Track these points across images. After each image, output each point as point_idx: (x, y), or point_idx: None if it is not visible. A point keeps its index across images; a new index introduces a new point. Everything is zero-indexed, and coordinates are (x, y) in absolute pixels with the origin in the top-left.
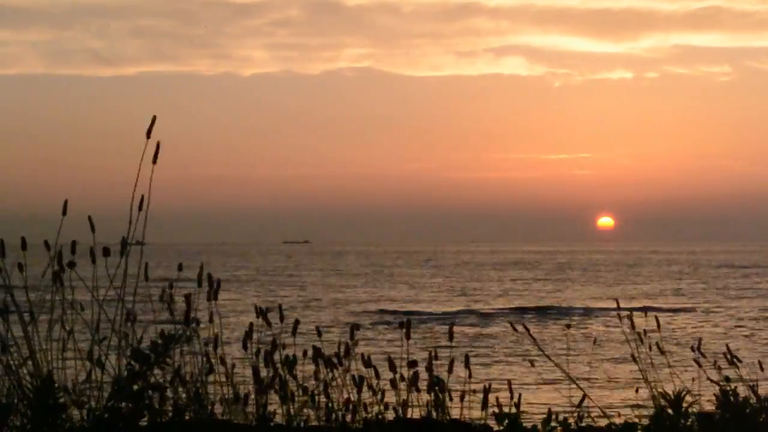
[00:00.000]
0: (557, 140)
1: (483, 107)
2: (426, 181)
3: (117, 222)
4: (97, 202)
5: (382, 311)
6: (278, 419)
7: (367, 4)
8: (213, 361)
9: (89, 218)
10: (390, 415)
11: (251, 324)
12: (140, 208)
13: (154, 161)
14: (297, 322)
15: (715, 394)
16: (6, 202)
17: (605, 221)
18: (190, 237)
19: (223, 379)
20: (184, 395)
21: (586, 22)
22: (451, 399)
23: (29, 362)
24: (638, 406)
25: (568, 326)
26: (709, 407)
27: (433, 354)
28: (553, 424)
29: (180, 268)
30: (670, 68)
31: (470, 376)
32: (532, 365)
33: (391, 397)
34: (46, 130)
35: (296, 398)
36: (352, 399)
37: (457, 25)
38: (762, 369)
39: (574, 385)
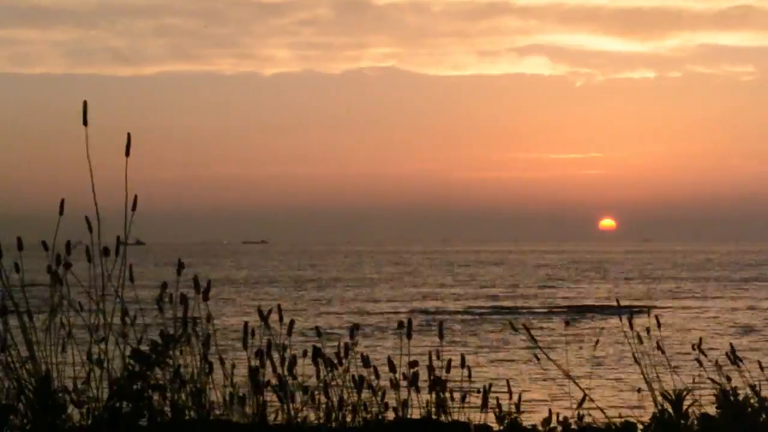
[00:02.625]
0: (570, 140)
1: (500, 107)
2: (437, 180)
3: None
4: (107, 202)
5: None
6: (278, 419)
7: (397, 3)
8: (212, 360)
9: (86, 218)
10: (390, 415)
11: (246, 324)
12: (133, 209)
13: (127, 153)
14: (292, 323)
15: (715, 394)
16: (28, 201)
17: (607, 222)
18: (204, 236)
19: (223, 379)
20: (184, 395)
21: (615, 21)
22: (452, 399)
23: (29, 362)
24: (639, 407)
25: (567, 323)
26: (709, 407)
27: (434, 354)
28: (553, 424)
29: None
30: (694, 68)
31: (470, 375)
32: (538, 359)
33: (391, 397)
34: (63, 129)
35: (296, 398)
36: (352, 399)
37: (484, 24)
38: (762, 369)
39: (574, 385)
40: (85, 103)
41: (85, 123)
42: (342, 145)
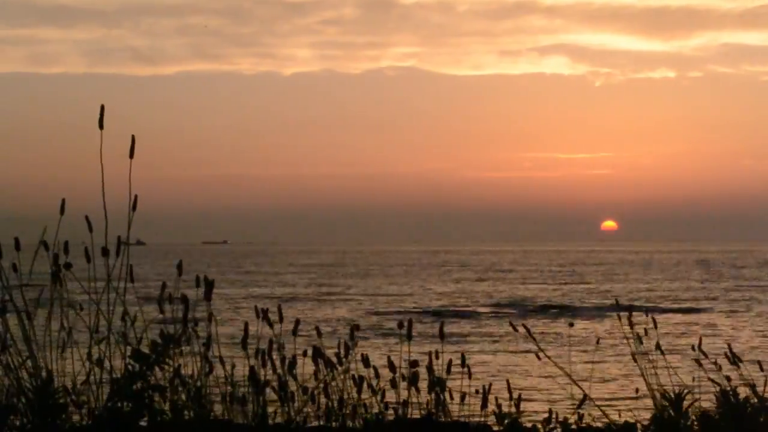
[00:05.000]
0: (582, 140)
1: (517, 107)
2: (446, 180)
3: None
4: (113, 202)
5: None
6: (278, 419)
7: (424, 2)
8: (212, 360)
9: (86, 218)
10: (390, 415)
11: (246, 324)
12: (134, 208)
13: (131, 155)
14: (297, 322)
15: (715, 394)
16: (48, 200)
17: (608, 223)
18: (222, 237)
19: (223, 379)
20: (184, 395)
21: (641, 20)
22: (452, 398)
23: (29, 362)
24: (638, 397)
25: (571, 325)
26: (709, 407)
27: (433, 354)
28: (553, 424)
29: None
30: (715, 67)
31: (470, 376)
32: (539, 358)
33: (391, 397)
34: (82, 129)
35: (296, 398)
36: (352, 399)
37: (509, 23)
38: (762, 369)
39: (574, 385)
40: (102, 107)
41: (101, 126)
42: (357, 145)
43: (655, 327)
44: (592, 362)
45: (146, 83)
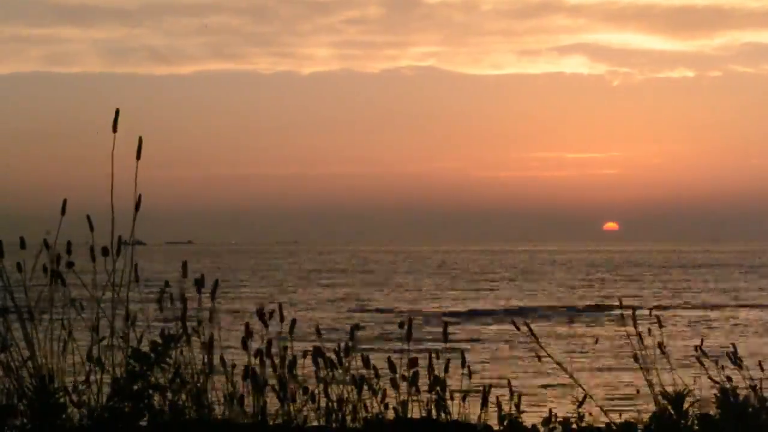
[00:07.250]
0: (593, 139)
1: (532, 106)
2: (455, 180)
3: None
4: (120, 202)
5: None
6: (278, 419)
7: (448, 1)
8: (213, 360)
9: (87, 217)
10: (390, 415)
11: (247, 324)
12: (137, 208)
13: (138, 157)
14: (293, 322)
15: (715, 394)
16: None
17: (610, 224)
18: (249, 237)
19: (223, 379)
20: (184, 395)
21: (664, 19)
22: (452, 399)
23: (29, 362)
24: (638, 397)
25: (572, 322)
26: (710, 407)
27: (434, 354)
28: (553, 424)
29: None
30: (735, 67)
31: (470, 376)
32: (540, 360)
33: (391, 397)
34: (100, 128)
35: (296, 398)
36: (352, 399)
37: (532, 22)
38: (762, 369)
39: (575, 384)
40: (117, 111)
41: (114, 130)
42: (372, 144)
43: (660, 326)
44: (593, 360)
45: (163, 83)
